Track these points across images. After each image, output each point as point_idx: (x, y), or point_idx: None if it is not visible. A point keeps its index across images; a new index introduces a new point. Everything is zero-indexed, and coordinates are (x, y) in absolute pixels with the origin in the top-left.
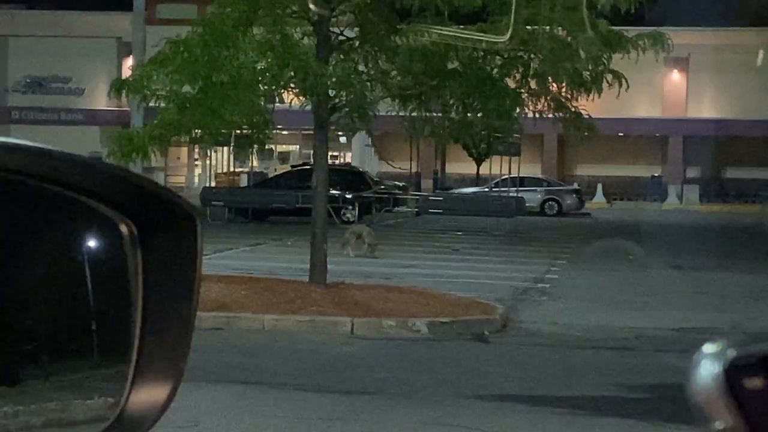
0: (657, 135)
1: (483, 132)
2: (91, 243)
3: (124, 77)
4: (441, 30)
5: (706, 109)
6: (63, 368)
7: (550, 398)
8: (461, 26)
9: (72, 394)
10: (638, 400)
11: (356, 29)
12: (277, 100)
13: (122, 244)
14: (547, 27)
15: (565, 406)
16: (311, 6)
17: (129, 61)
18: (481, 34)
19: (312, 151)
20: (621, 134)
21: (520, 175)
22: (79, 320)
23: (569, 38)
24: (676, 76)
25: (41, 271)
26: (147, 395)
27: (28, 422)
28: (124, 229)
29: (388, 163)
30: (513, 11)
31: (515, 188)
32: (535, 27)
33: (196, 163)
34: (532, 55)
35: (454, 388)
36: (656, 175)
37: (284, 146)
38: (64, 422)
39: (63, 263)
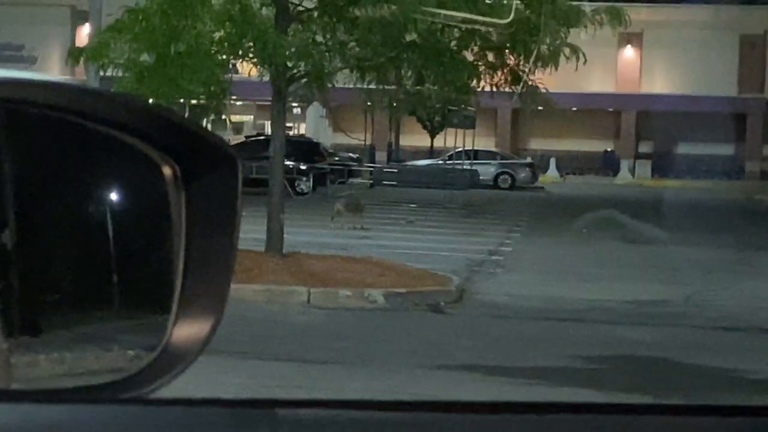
0: (610, 110)
1: (438, 104)
2: (134, 183)
3: (79, 45)
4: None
5: (659, 84)
6: (91, 317)
7: (506, 368)
8: None
9: (107, 341)
10: (592, 371)
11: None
12: (234, 70)
13: (165, 184)
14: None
15: (519, 376)
16: None
17: (84, 29)
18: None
19: (266, 122)
20: (575, 109)
21: (474, 149)
22: (121, 257)
23: (528, 12)
24: (629, 52)
25: (85, 206)
26: (190, 330)
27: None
28: (167, 170)
29: (346, 134)
30: None
31: (469, 161)
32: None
33: None
34: (491, 29)
35: (411, 358)
36: (609, 150)
37: (238, 117)
38: (105, 369)
39: (104, 203)
